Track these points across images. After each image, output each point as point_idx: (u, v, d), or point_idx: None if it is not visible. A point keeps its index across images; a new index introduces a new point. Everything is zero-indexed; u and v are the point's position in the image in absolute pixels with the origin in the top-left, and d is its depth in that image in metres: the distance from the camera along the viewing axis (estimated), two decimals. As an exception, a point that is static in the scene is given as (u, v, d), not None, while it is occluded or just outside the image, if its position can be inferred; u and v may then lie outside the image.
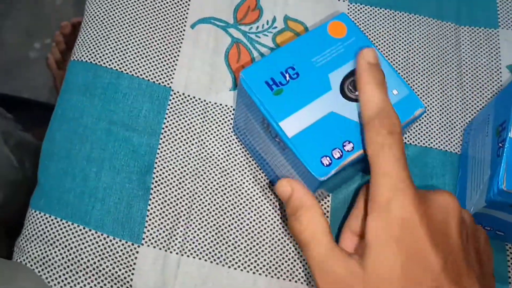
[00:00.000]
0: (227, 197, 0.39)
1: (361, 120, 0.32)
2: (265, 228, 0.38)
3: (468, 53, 0.46)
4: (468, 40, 0.46)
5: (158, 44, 0.43)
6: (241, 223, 0.38)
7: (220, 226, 0.38)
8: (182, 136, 0.40)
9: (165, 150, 0.40)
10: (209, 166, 0.40)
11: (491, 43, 0.47)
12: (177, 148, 0.40)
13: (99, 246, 0.36)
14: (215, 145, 0.40)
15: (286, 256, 0.38)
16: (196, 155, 0.40)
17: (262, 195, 0.39)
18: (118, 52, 0.42)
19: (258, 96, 0.33)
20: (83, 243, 0.36)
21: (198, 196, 0.39)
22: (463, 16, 0.47)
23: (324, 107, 0.33)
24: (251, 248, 0.38)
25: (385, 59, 0.35)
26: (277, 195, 0.39)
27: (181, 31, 0.43)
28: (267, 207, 0.39)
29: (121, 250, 0.36)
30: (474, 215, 0.36)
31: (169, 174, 0.39)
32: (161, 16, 0.44)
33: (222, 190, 0.39)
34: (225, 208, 0.39)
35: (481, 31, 0.47)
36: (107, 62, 0.41)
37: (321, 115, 0.33)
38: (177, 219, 0.38)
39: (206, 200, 0.39)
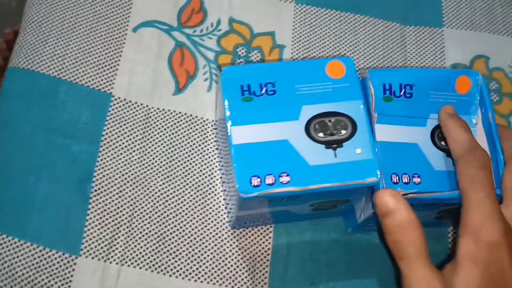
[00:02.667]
0: (169, 205, 0.38)
1: (452, 156, 0.33)
2: (207, 235, 0.38)
3: (413, 53, 0.46)
4: (413, 40, 0.47)
5: (98, 49, 0.42)
6: (183, 231, 0.38)
7: (162, 234, 0.38)
8: (123, 143, 0.39)
9: (105, 158, 0.39)
10: (151, 173, 0.39)
11: (436, 42, 0.47)
12: (118, 156, 0.39)
13: (34, 259, 0.35)
14: (157, 151, 0.40)
15: (229, 262, 0.37)
16: (138, 162, 0.39)
17: (204, 202, 0.39)
18: (57, 58, 0.41)
19: (227, 95, 0.33)
20: (17, 256, 0.35)
21: (140, 204, 0.38)
22: (409, 16, 0.48)
23: (281, 133, 0.32)
24: (193, 256, 0.37)
25: (366, 114, 0.33)
26: (223, 202, 0.39)
27: (122, 35, 0.43)
28: (210, 214, 0.39)
29: (58, 262, 0.36)
30: (365, 220, 0.36)
31: (109, 183, 0.38)
32: (102, 20, 0.43)
33: (164, 198, 0.39)
34: (167, 215, 0.38)
35: (426, 30, 0.47)
36: (45, 68, 0.40)
37: (274, 138, 0.32)
38: (118, 228, 0.37)
39: (148, 208, 0.38)
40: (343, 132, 0.33)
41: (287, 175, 0.31)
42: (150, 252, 0.37)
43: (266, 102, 0.33)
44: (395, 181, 0.33)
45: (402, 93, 0.35)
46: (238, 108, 0.33)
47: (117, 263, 0.36)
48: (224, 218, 0.39)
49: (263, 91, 0.33)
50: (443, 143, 0.35)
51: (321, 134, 0.33)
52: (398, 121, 0.35)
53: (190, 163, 0.40)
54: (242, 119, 0.32)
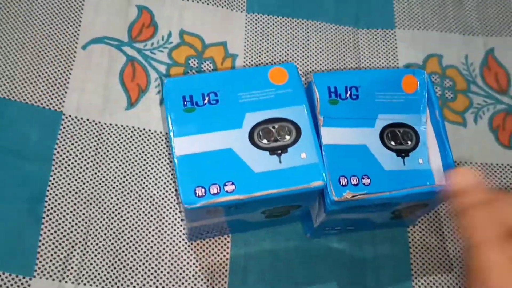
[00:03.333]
0: (124, 220, 0.38)
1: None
2: (164, 249, 0.38)
3: (366, 55, 0.46)
4: (366, 42, 0.47)
5: (47, 68, 0.42)
6: (139, 245, 0.38)
7: (117, 250, 0.37)
8: (76, 161, 0.39)
9: (57, 177, 0.38)
10: (104, 189, 0.39)
11: (388, 43, 0.47)
12: (70, 174, 0.39)
13: (-13, 282, 0.35)
14: (111, 167, 0.39)
15: (187, 275, 0.37)
16: (91, 179, 0.39)
17: (160, 215, 0.39)
18: (6, 79, 0.41)
19: (168, 107, 0.33)
20: (-31, 281, 0.35)
21: (95, 221, 0.38)
22: (361, 20, 0.48)
23: (225, 141, 0.32)
24: (149, 270, 0.37)
25: (310, 118, 0.33)
26: (176, 215, 0.39)
27: (71, 53, 0.42)
28: (166, 227, 0.38)
29: (12, 285, 0.35)
30: (321, 224, 0.36)
31: (62, 201, 0.38)
32: (51, 39, 0.43)
33: (119, 213, 0.38)
34: (123, 231, 0.38)
35: (378, 32, 0.48)
36: (-6, 90, 0.40)
37: (218, 147, 0.32)
38: (72, 246, 0.37)
39: (103, 225, 0.38)
40: (287, 137, 0.33)
41: (232, 184, 0.31)
42: (106, 269, 0.37)
43: (209, 112, 0.33)
44: (343, 184, 0.33)
45: (348, 95, 0.35)
46: (180, 119, 0.33)
47: (72, 282, 0.36)
48: (181, 231, 0.38)
49: (206, 100, 0.33)
50: (392, 143, 0.35)
51: (265, 141, 0.33)
52: (345, 123, 0.35)
53: (145, 177, 0.40)
54: (185, 130, 0.32)
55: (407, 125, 0.36)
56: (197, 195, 0.31)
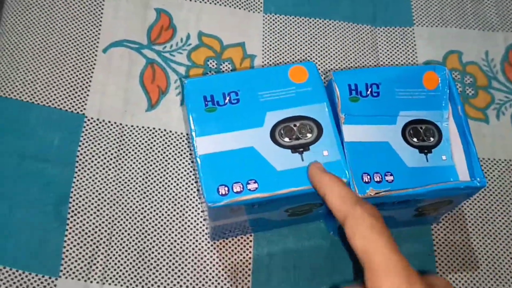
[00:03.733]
0: (147, 220, 0.38)
1: (336, 213, 0.29)
2: (187, 248, 0.38)
3: (385, 53, 0.46)
4: (384, 41, 0.47)
5: (69, 72, 0.42)
6: (163, 245, 0.38)
7: (141, 250, 0.37)
8: (98, 162, 0.40)
9: (81, 179, 0.39)
10: (127, 190, 0.39)
11: (407, 41, 0.47)
12: (93, 175, 0.39)
13: (14, 283, 0.35)
14: (132, 168, 0.40)
15: (210, 274, 0.37)
16: (114, 181, 0.39)
17: (183, 215, 0.39)
18: (28, 83, 0.41)
19: (190, 107, 0.33)
20: (-4, 282, 0.35)
21: (118, 222, 0.38)
22: (379, 18, 0.48)
23: (247, 140, 0.33)
24: (173, 270, 0.37)
25: (331, 116, 0.33)
26: (197, 216, 0.39)
27: (92, 57, 0.43)
28: (188, 227, 0.38)
29: (38, 285, 0.36)
30: None
31: (86, 203, 0.38)
32: (72, 43, 0.43)
33: (142, 213, 0.39)
34: (146, 231, 0.38)
35: (396, 30, 0.47)
36: (17, 94, 0.41)
37: (240, 146, 0.32)
38: (97, 247, 0.37)
39: (127, 225, 0.38)
40: (309, 135, 0.33)
41: (255, 182, 0.31)
42: (130, 268, 0.37)
43: (230, 111, 0.33)
44: (366, 181, 0.33)
45: (368, 92, 0.35)
46: (202, 119, 0.33)
47: (97, 282, 0.36)
48: (204, 230, 0.38)
49: (227, 100, 0.33)
50: (415, 139, 0.35)
51: (286, 139, 0.33)
52: (366, 121, 0.35)
53: (166, 178, 0.40)
54: (207, 130, 0.32)
55: (429, 121, 0.35)
56: (220, 193, 0.31)
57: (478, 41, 0.48)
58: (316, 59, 0.45)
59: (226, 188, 0.31)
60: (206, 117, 0.33)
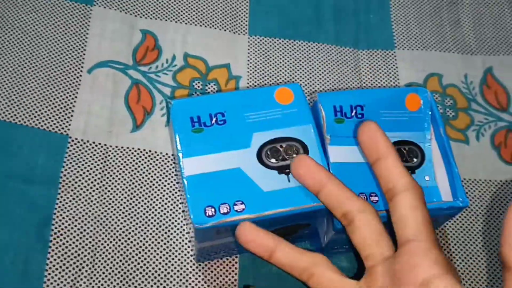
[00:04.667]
0: (131, 242, 0.38)
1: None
2: (172, 270, 0.38)
3: (368, 75, 0.47)
4: (367, 63, 0.48)
5: (53, 92, 0.42)
6: (147, 267, 0.37)
7: (125, 273, 0.37)
8: (82, 183, 0.39)
9: (64, 200, 0.38)
10: (111, 211, 0.39)
11: (389, 64, 0.48)
12: (77, 196, 0.39)
13: (-6, 307, 0.35)
14: (117, 189, 0.39)
15: (195, 296, 0.37)
16: (98, 202, 0.39)
17: (168, 237, 0.38)
18: (12, 104, 0.41)
19: (176, 128, 0.33)
20: (-24, 307, 0.34)
21: (102, 244, 0.38)
22: (361, 41, 0.49)
23: (233, 161, 0.33)
24: (157, 292, 0.37)
25: (317, 137, 0.34)
26: (181, 238, 0.38)
27: (77, 77, 0.43)
28: (173, 248, 0.38)
29: (19, 309, 0.35)
30: (329, 242, 0.36)
31: (69, 224, 0.38)
32: (57, 63, 0.43)
33: (126, 235, 0.38)
34: (130, 253, 0.38)
35: (378, 53, 0.48)
36: (0, 114, 0.40)
37: (227, 167, 0.32)
38: (80, 270, 0.37)
39: (110, 247, 0.38)
40: (295, 156, 0.33)
41: (242, 203, 0.32)
42: (114, 292, 0.36)
43: (216, 132, 0.33)
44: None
45: (353, 114, 0.36)
46: (188, 140, 0.33)
47: (80, 306, 0.36)
48: (189, 252, 0.38)
49: (213, 121, 0.34)
50: (272, 160, 0.35)
51: (273, 160, 0.33)
52: (351, 142, 0.35)
53: (152, 199, 0.40)
54: (193, 151, 0.33)
55: (412, 142, 0.36)
56: (207, 214, 0.31)
57: (457, 64, 0.49)
58: (300, 80, 0.46)
59: (213, 209, 0.31)
60: (192, 138, 0.33)
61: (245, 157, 0.33)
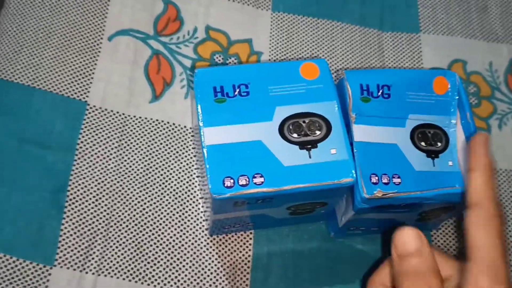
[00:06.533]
0: (146, 212, 0.38)
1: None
2: (186, 243, 0.37)
3: (391, 58, 0.46)
4: (390, 45, 0.47)
5: (73, 58, 0.41)
6: (161, 238, 0.37)
7: (139, 243, 0.37)
8: (99, 151, 0.39)
9: (80, 167, 0.38)
10: (127, 181, 0.38)
11: (413, 47, 0.47)
12: (93, 164, 0.38)
13: (7, 270, 0.34)
14: (134, 159, 0.39)
15: (209, 270, 0.37)
16: (114, 170, 0.38)
17: (183, 209, 0.38)
18: (31, 67, 0.40)
19: (199, 97, 0.33)
20: (-11, 268, 0.34)
21: (117, 213, 0.37)
22: (386, 23, 0.48)
23: (255, 133, 0.32)
24: (171, 264, 0.36)
25: (340, 114, 0.33)
26: (199, 209, 0.38)
27: (97, 44, 0.42)
28: (188, 221, 0.38)
29: (32, 273, 0.35)
30: (346, 223, 0.36)
31: (84, 191, 0.37)
32: (77, 29, 0.42)
33: (142, 206, 0.38)
34: (145, 224, 0.37)
35: (403, 36, 0.47)
36: (19, 77, 0.40)
37: (248, 139, 0.32)
38: (94, 237, 0.36)
39: (125, 217, 0.37)
40: (318, 132, 0.33)
41: (261, 176, 0.31)
42: (127, 261, 0.36)
43: (239, 104, 0.33)
44: (374, 182, 0.33)
45: (379, 93, 0.35)
46: (210, 109, 0.32)
47: (93, 273, 0.35)
48: (203, 226, 0.38)
49: (236, 92, 0.33)
50: (423, 143, 0.35)
51: (295, 135, 0.32)
52: (376, 122, 0.34)
53: (168, 171, 0.39)
54: (215, 120, 0.32)
55: (437, 126, 0.35)
56: (225, 185, 0.31)
57: (482, 51, 0.48)
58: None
59: (232, 181, 0.31)
60: (215, 108, 0.32)
61: (267, 130, 0.32)
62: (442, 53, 0.47)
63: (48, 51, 0.41)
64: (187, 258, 0.37)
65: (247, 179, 0.31)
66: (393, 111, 0.35)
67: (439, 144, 0.35)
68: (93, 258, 0.36)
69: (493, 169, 0.31)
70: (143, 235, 0.37)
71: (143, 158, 0.39)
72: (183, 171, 0.39)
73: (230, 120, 0.32)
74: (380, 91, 0.35)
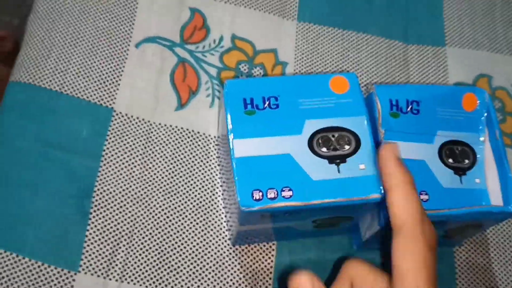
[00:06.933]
0: (170, 221, 0.38)
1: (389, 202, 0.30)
2: (209, 252, 0.37)
3: (416, 71, 0.46)
4: (416, 58, 0.47)
5: (100, 64, 0.42)
6: (184, 247, 0.37)
7: (162, 251, 0.37)
8: (124, 158, 0.39)
9: (106, 173, 0.38)
10: (152, 189, 0.38)
11: (438, 61, 0.47)
12: (118, 171, 0.38)
13: (33, 274, 0.35)
14: (158, 167, 0.39)
15: (231, 280, 0.37)
16: (139, 178, 0.39)
17: (206, 218, 0.38)
18: (59, 72, 0.41)
19: (229, 108, 0.33)
20: (15, 272, 0.34)
21: (140, 220, 0.37)
22: (411, 35, 0.48)
23: (284, 146, 0.32)
24: (194, 273, 0.36)
25: (370, 129, 0.33)
26: (220, 219, 0.38)
27: (125, 51, 0.42)
28: (211, 230, 0.38)
29: (57, 278, 0.35)
30: (369, 239, 0.36)
31: (109, 198, 0.38)
32: (104, 36, 0.43)
33: (165, 213, 0.38)
34: (168, 232, 0.37)
35: (428, 49, 0.47)
36: (47, 82, 0.40)
37: (277, 152, 0.32)
38: (118, 244, 0.36)
39: (149, 224, 0.37)
40: (347, 147, 0.33)
41: (290, 190, 0.31)
42: (150, 268, 0.36)
43: (268, 116, 0.33)
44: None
45: (409, 109, 0.35)
46: (240, 121, 0.32)
47: (116, 280, 0.35)
48: (226, 235, 0.38)
49: (266, 104, 0.33)
50: (450, 160, 0.34)
51: (324, 149, 0.32)
52: (405, 137, 0.34)
53: (192, 179, 0.39)
54: (244, 132, 0.32)
55: (465, 143, 0.35)
56: (254, 198, 0.31)
57: (508, 66, 0.48)
58: (347, 71, 0.45)
59: (261, 193, 0.31)
60: (244, 119, 0.32)
61: (296, 143, 0.32)
62: (468, 68, 0.47)
63: (76, 56, 0.41)
64: (210, 267, 0.37)
65: (276, 192, 0.31)
66: (422, 127, 0.35)
67: (466, 161, 0.35)
68: (116, 265, 0.36)
69: (411, 182, 0.30)
70: (166, 243, 0.37)
71: (168, 166, 0.39)
72: (206, 179, 0.39)
73: (259, 133, 0.32)
74: (410, 106, 0.35)
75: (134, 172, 0.39)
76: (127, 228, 0.37)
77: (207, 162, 0.40)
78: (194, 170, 0.40)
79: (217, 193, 0.39)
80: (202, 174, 0.39)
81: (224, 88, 0.33)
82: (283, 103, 0.33)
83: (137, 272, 0.36)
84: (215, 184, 0.39)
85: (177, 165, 0.39)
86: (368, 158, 0.32)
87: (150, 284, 0.36)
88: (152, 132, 0.40)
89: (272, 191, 0.31)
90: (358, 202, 0.32)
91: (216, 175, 0.40)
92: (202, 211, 0.38)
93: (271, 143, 0.32)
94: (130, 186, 0.38)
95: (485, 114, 0.36)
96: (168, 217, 0.38)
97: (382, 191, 0.32)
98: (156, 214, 0.38)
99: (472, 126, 0.36)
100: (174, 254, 0.37)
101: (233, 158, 0.31)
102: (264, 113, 0.33)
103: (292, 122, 0.33)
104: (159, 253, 0.37)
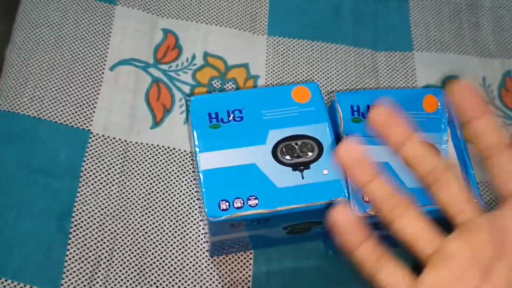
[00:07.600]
0: (148, 236, 0.39)
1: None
2: (187, 265, 0.38)
3: (385, 77, 0.47)
4: (384, 65, 0.48)
5: (76, 88, 0.43)
6: (163, 261, 0.38)
7: (142, 266, 0.38)
8: (102, 178, 0.40)
9: (84, 193, 0.39)
10: (130, 206, 0.40)
11: (407, 65, 0.48)
12: (97, 190, 0.40)
13: (15, 295, 0.36)
14: (136, 184, 0.40)
15: (210, 290, 0.38)
16: (117, 196, 0.40)
17: (184, 232, 0.39)
18: (36, 99, 0.42)
19: (194, 123, 0.34)
20: (-2, 294, 0.36)
21: (120, 237, 0.39)
22: (379, 42, 0.49)
23: (249, 157, 0.33)
24: (173, 286, 0.37)
25: (332, 135, 0.34)
26: (197, 233, 0.39)
27: (100, 74, 0.44)
28: (189, 243, 0.39)
29: (39, 298, 0.36)
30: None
31: (89, 217, 0.39)
32: (80, 61, 0.44)
33: (144, 229, 0.39)
34: (147, 247, 0.39)
35: (396, 55, 0.49)
36: (25, 109, 0.42)
37: (242, 163, 0.33)
38: (98, 262, 0.38)
39: (128, 241, 0.39)
40: (310, 154, 0.34)
41: (255, 198, 0.32)
42: (131, 284, 0.37)
43: (233, 128, 0.34)
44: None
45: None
46: (206, 135, 0.34)
47: (97, 297, 0.37)
48: (204, 247, 0.39)
49: (231, 117, 0.34)
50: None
51: (288, 157, 0.33)
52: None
53: (169, 194, 0.40)
54: (210, 146, 0.33)
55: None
56: (221, 208, 0.32)
57: (476, 67, 0.49)
58: (318, 81, 0.46)
59: (227, 203, 0.32)
60: (210, 133, 0.34)
61: (261, 153, 0.33)
62: (436, 70, 0.48)
63: (53, 83, 0.43)
64: (189, 279, 0.38)
65: (242, 202, 0.32)
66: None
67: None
68: (97, 282, 0.37)
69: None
70: (145, 258, 0.38)
71: (145, 182, 0.41)
72: (183, 194, 0.41)
73: (224, 145, 0.33)
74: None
75: (112, 190, 0.40)
76: (107, 246, 0.38)
77: (183, 177, 0.41)
78: (171, 185, 0.41)
79: (194, 206, 0.40)
80: (179, 189, 0.41)
81: (190, 104, 0.35)
82: (247, 115, 0.34)
83: None
84: (191, 198, 0.40)
85: (154, 182, 0.41)
86: (331, 163, 0.33)
87: (131, 299, 0.37)
88: (128, 151, 0.41)
89: (238, 200, 0.32)
90: (323, 206, 0.33)
91: (193, 188, 0.41)
92: (180, 225, 0.39)
93: (237, 154, 0.33)
94: (109, 205, 0.39)
95: (446, 114, 0.37)
96: (147, 232, 0.39)
97: (347, 195, 0.33)
98: (135, 231, 0.39)
99: (435, 127, 0.37)
100: (154, 269, 0.38)
101: (199, 171, 0.33)
102: (229, 126, 0.34)
103: (256, 133, 0.34)
104: (138, 268, 0.38)
